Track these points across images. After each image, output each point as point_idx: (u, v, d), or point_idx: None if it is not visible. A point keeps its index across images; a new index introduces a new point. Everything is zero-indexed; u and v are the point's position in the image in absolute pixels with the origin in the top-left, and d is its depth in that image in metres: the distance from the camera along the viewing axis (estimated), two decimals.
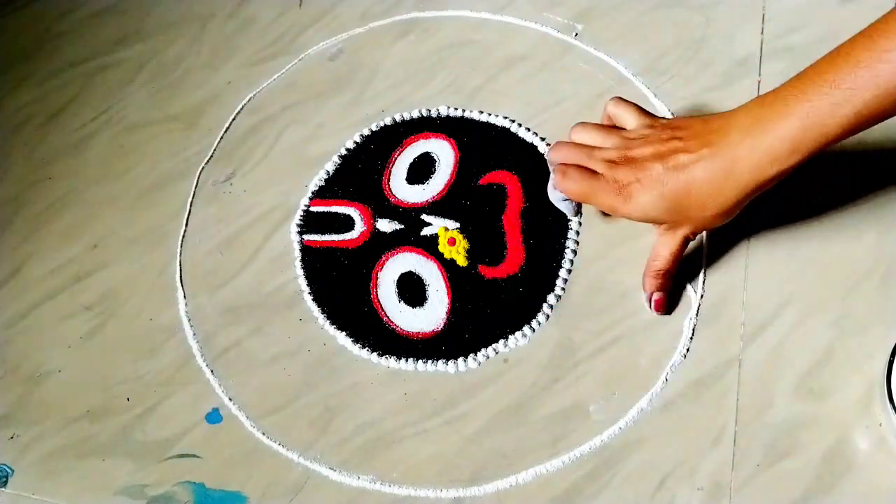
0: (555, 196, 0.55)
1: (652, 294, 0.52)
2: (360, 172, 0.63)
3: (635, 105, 0.53)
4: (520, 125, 0.63)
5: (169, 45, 0.74)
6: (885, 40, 0.42)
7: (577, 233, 0.57)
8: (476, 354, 0.54)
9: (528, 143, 0.62)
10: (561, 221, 0.58)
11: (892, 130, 0.55)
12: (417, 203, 0.61)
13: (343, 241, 0.60)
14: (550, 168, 0.53)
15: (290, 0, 0.74)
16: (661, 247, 0.51)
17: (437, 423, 0.52)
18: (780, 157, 0.45)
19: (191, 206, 0.64)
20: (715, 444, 0.49)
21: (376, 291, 0.58)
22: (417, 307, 0.57)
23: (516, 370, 0.53)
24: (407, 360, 0.55)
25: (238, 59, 0.71)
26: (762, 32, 0.63)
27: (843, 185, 0.55)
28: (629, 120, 0.52)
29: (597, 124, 0.54)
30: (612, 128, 0.53)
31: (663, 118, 0.52)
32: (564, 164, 0.51)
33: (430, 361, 0.54)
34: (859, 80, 0.42)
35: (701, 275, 0.54)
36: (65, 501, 0.53)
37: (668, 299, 0.52)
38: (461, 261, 0.57)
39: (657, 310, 0.52)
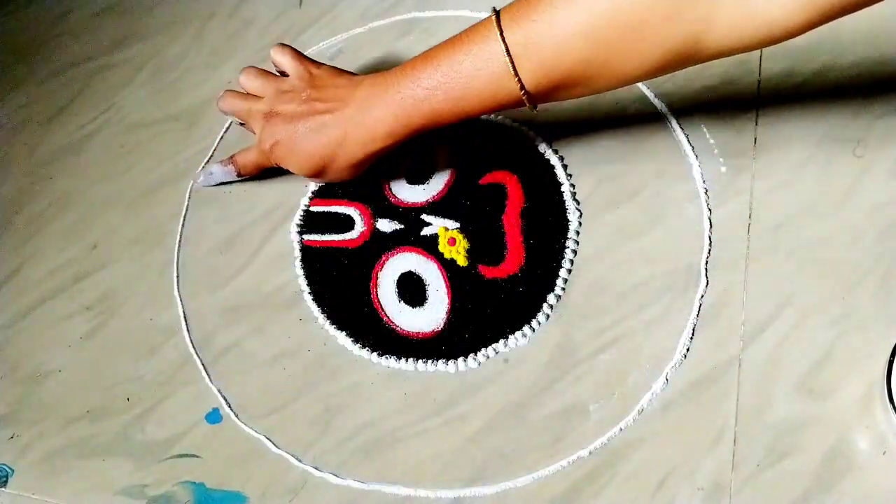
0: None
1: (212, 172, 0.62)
2: None
3: (294, 52, 0.59)
4: (520, 125, 0.62)
5: (169, 44, 0.74)
6: (462, 53, 0.48)
7: (577, 232, 0.57)
8: (476, 354, 0.54)
9: (527, 142, 0.62)
10: (561, 221, 0.58)
11: (891, 130, 0.56)
12: (417, 203, 0.61)
13: (343, 240, 0.60)
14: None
15: (290, 0, 0.74)
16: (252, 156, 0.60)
17: (437, 423, 0.52)
18: (377, 137, 0.53)
19: (190, 206, 0.64)
20: (715, 445, 0.49)
21: (376, 291, 0.58)
22: (417, 307, 0.57)
23: (516, 370, 0.53)
24: (407, 360, 0.55)
25: (238, 58, 0.71)
26: None
27: (842, 184, 0.55)
28: (287, 67, 0.58)
29: (261, 70, 0.60)
30: (273, 76, 0.59)
31: (315, 67, 0.58)
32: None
33: (430, 361, 0.54)
34: (435, 82, 0.49)
35: (702, 274, 0.54)
36: (65, 501, 0.53)
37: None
38: (461, 261, 0.57)
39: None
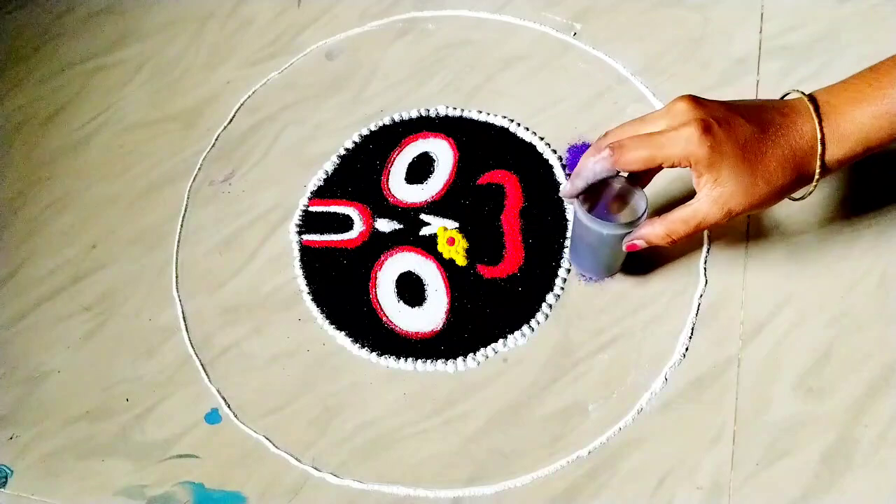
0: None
1: (645, 242, 0.47)
2: (359, 172, 0.63)
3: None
4: (518, 125, 0.63)
5: (167, 45, 0.74)
6: None
7: None
8: (475, 354, 0.54)
9: (526, 142, 0.62)
10: (560, 221, 0.58)
11: None
12: (416, 203, 0.61)
13: (342, 240, 0.60)
14: (574, 204, 0.48)
15: (289, 0, 0.74)
16: (706, 206, 0.44)
17: (436, 423, 0.52)
18: (849, 141, 0.44)
19: (189, 206, 0.64)
20: (714, 444, 0.49)
21: (375, 291, 0.58)
22: (417, 307, 0.57)
23: (515, 370, 0.53)
24: (406, 360, 0.55)
25: (237, 58, 0.71)
26: (760, 31, 0.63)
27: (841, 184, 0.55)
28: (657, 120, 0.46)
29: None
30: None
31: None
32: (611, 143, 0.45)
33: (429, 361, 0.54)
34: None
35: (700, 274, 0.54)
36: (64, 502, 0.53)
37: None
38: (460, 260, 0.57)
39: (629, 249, 0.48)
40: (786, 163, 0.44)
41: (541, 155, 0.61)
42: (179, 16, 0.75)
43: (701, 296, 0.53)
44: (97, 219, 0.65)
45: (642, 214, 0.47)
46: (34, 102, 0.72)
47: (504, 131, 0.63)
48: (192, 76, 0.71)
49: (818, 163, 0.44)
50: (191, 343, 0.58)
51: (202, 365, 0.57)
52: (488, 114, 0.64)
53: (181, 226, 0.63)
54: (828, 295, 0.52)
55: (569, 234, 0.57)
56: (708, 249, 0.55)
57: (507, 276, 0.56)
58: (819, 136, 0.44)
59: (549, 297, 0.55)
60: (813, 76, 0.60)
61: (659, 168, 0.45)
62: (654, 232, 0.46)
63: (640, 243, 0.47)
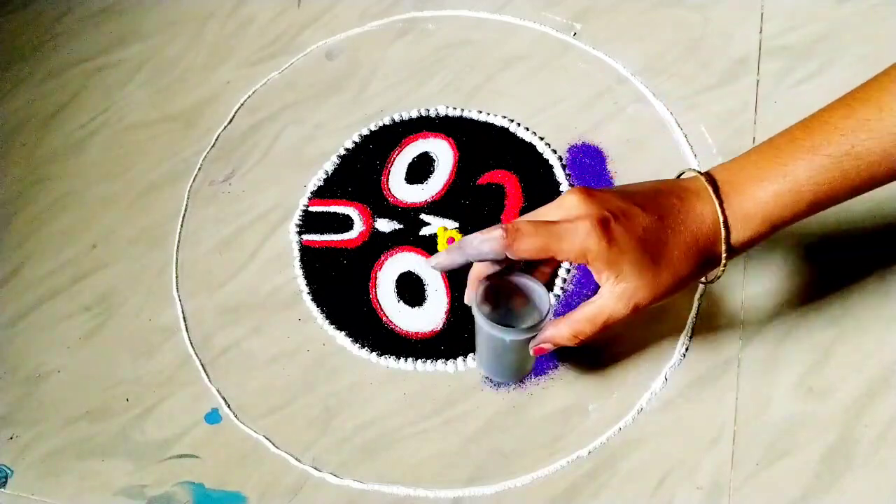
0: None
1: (553, 345, 0.45)
2: (359, 172, 0.63)
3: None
4: (518, 125, 0.63)
5: (167, 45, 0.74)
6: (865, 109, 0.40)
7: None
8: (475, 354, 0.54)
9: (526, 142, 0.62)
10: None
11: None
12: (416, 203, 0.61)
13: (342, 240, 0.60)
14: (471, 304, 0.45)
15: (289, 0, 0.74)
16: (611, 303, 0.42)
17: (436, 423, 0.52)
18: (753, 222, 0.42)
19: (189, 206, 0.64)
20: (714, 444, 0.49)
21: (375, 291, 0.58)
22: (417, 307, 0.57)
23: None
24: (406, 360, 0.55)
25: (237, 58, 0.71)
26: (760, 31, 0.63)
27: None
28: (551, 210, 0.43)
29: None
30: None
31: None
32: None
33: (429, 361, 0.54)
34: (836, 147, 0.41)
35: None
36: (64, 501, 0.54)
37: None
38: None
39: (537, 353, 0.46)
40: (689, 251, 0.42)
41: (541, 155, 0.61)
42: (179, 16, 0.75)
43: (701, 296, 0.53)
44: (97, 219, 0.65)
45: (546, 315, 0.44)
46: (34, 102, 0.72)
47: (504, 131, 0.63)
48: (192, 76, 0.71)
49: (724, 246, 0.42)
50: (191, 343, 0.58)
51: (202, 365, 0.57)
52: (488, 114, 0.64)
53: (181, 226, 0.63)
54: (828, 295, 0.52)
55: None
56: None
57: None
58: (721, 218, 0.42)
59: (550, 297, 0.55)
60: (813, 76, 0.60)
61: (557, 265, 0.42)
62: (559, 334, 0.44)
63: (548, 346, 0.45)
